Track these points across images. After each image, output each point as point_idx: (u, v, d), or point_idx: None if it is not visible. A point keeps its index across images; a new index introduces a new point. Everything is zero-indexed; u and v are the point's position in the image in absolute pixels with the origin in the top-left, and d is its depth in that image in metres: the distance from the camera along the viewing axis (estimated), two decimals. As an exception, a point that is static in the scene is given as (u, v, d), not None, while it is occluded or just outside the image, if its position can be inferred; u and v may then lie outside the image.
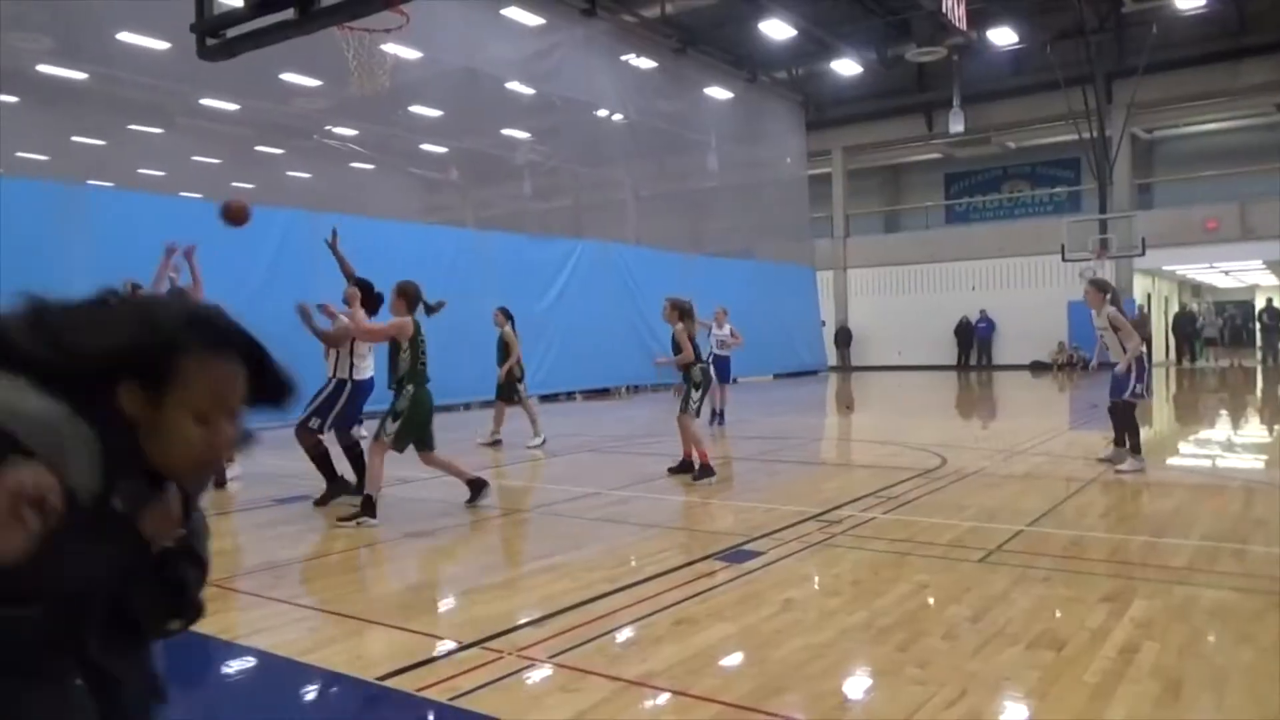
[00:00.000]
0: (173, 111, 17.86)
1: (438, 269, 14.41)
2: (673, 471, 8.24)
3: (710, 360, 12.49)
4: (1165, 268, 28.24)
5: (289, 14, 6.51)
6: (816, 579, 4.77)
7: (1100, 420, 8.73)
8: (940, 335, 28.40)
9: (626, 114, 20.93)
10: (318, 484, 7.07)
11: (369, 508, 6.23)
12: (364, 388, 7.19)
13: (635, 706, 3.10)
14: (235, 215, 6.80)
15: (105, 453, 1.14)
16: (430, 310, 6.66)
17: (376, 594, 4.91)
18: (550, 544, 5.72)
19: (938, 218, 32.13)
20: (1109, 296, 8.23)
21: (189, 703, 3.20)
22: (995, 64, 25.21)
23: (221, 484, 7.71)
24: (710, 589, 4.51)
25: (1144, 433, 8.56)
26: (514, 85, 19.33)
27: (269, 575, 4.90)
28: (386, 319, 6.60)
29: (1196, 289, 35.54)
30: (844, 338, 29.93)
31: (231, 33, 6.95)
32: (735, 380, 14.53)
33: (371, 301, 6.90)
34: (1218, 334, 30.08)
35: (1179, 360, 27.83)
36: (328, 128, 20.41)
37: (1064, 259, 23.42)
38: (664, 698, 3.16)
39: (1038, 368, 26.48)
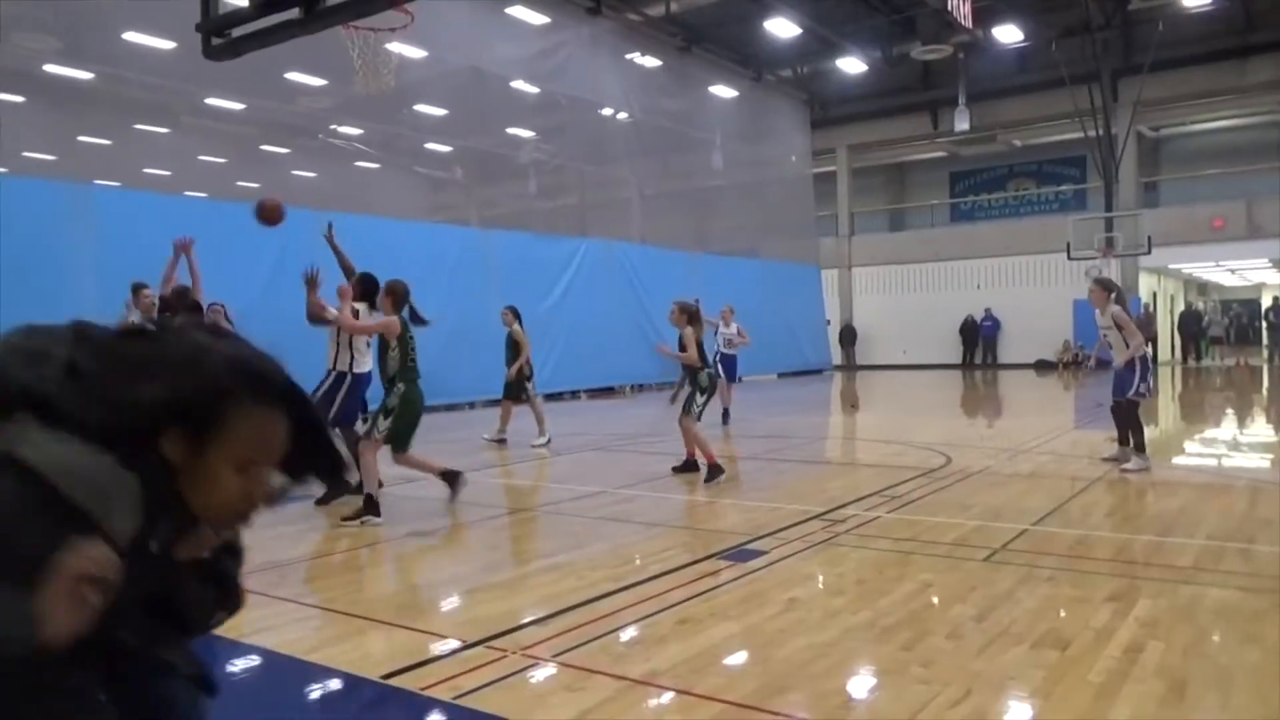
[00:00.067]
0: (178, 111, 17.90)
1: (442, 268, 14.45)
2: (677, 471, 8.24)
3: (717, 359, 12.51)
4: (1171, 266, 28.14)
5: (294, 13, 6.52)
6: (821, 578, 4.77)
7: (1105, 420, 8.71)
8: (945, 334, 28.34)
9: (631, 113, 20.91)
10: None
11: (371, 506, 6.25)
12: (364, 380, 7.23)
13: (639, 705, 3.11)
14: (269, 214, 6.86)
15: (146, 499, 1.13)
16: (417, 322, 6.68)
17: (380, 593, 4.92)
18: (554, 543, 5.73)
19: (943, 216, 32.04)
20: (1113, 296, 8.21)
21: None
22: (1001, 62, 25.13)
23: None
24: (714, 588, 4.51)
25: (1149, 431, 8.54)
26: (519, 84, 19.33)
27: (273, 574, 4.91)
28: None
29: (1202, 287, 35.43)
30: (849, 336, 29.87)
31: (237, 32, 6.96)
32: (740, 379, 14.50)
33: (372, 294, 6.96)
34: (1223, 332, 30.03)
35: (1185, 359, 27.74)
36: (333, 127, 20.40)
37: (1069, 257, 23.40)
38: (668, 697, 3.16)
39: (1043, 366, 26.42)
